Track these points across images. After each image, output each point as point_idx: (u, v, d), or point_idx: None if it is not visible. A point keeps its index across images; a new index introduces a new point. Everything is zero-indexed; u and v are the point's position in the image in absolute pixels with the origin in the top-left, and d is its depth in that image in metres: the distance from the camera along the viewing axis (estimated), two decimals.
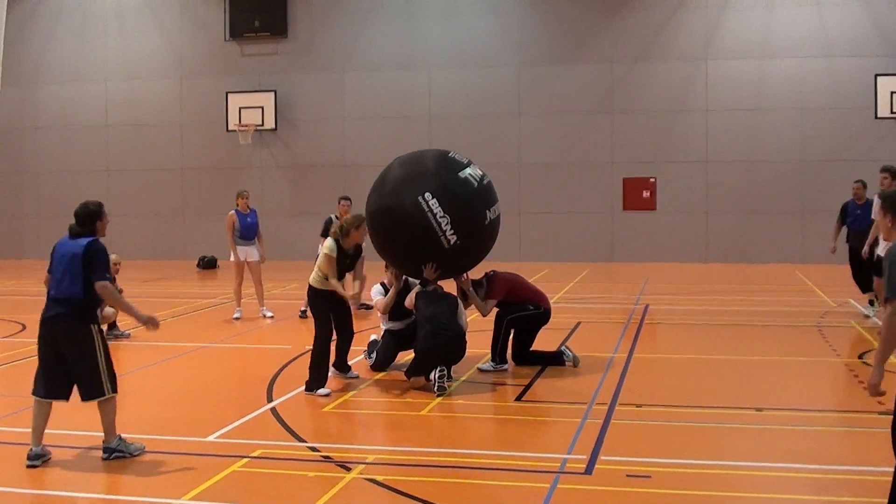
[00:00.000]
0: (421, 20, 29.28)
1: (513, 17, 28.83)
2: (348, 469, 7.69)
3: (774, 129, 27.33)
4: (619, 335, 14.56)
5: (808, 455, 8.14)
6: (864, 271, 15.91)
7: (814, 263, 24.69)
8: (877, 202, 14.44)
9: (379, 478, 7.46)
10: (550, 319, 12.15)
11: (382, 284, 11.88)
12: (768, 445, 8.51)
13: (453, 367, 10.93)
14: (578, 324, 15.57)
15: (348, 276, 10.94)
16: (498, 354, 11.72)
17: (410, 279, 11.63)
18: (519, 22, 28.79)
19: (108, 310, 13.26)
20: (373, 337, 12.27)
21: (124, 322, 14.56)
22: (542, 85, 28.37)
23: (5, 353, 13.26)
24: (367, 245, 11.63)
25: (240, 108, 29.57)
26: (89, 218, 8.19)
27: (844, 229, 16.76)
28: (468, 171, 11.42)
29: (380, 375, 11.45)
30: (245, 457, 8.00)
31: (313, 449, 8.34)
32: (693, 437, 8.74)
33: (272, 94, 29.64)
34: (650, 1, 28.03)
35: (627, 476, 7.47)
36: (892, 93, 25.83)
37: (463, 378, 11.20)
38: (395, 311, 11.71)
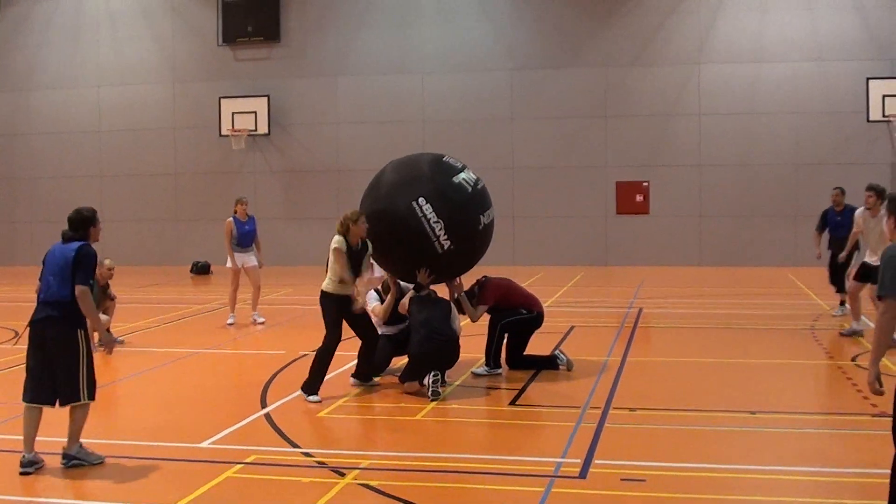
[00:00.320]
0: (414, 24, 29.30)
1: (506, 22, 28.87)
2: (342, 474, 7.68)
3: (767, 132, 27.40)
4: (613, 339, 14.56)
5: (802, 458, 8.15)
6: (840, 275, 16.44)
7: (807, 266, 24.69)
8: (859, 213, 14.65)
9: (373, 483, 7.45)
10: (544, 323, 12.15)
11: (377, 291, 11.86)
12: (762, 448, 8.51)
13: (447, 372, 10.93)
14: (572, 327, 15.57)
15: (359, 282, 10.86)
16: (492, 359, 11.71)
17: (404, 284, 11.62)
18: (512, 26, 28.83)
19: (103, 317, 13.23)
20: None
21: (117, 328, 14.54)
22: (535, 89, 28.40)
23: None
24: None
25: (233, 113, 29.57)
26: (83, 223, 8.18)
27: (826, 235, 16.99)
28: (462, 175, 11.40)
29: (374, 380, 11.43)
30: (239, 463, 7.99)
31: (307, 454, 8.32)
32: (687, 441, 8.74)
33: (265, 98, 29.63)
34: (643, 6, 28.10)
35: (622, 480, 7.47)
36: (884, 96, 25.90)
37: (457, 383, 11.20)
38: (389, 315, 11.70)
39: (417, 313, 10.85)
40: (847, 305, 15.47)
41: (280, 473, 7.80)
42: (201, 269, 28.18)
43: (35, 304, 8.17)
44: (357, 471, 7.78)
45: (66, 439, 8.01)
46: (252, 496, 7.25)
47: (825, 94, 27.08)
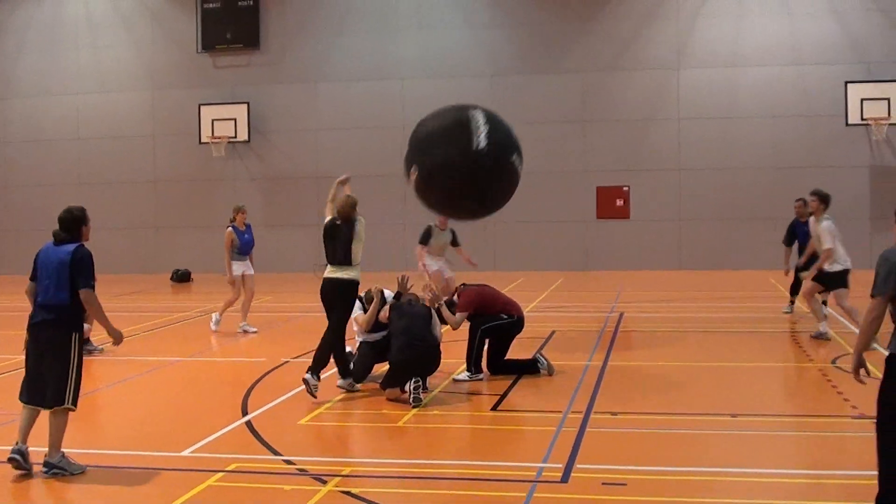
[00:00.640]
0: (393, 31, 29.31)
1: (485, 28, 28.91)
2: (324, 482, 7.66)
3: (746, 137, 27.51)
4: (594, 343, 14.58)
5: (784, 460, 8.19)
6: (799, 282, 16.79)
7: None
8: (819, 224, 14.53)
9: (355, 490, 7.44)
10: (525, 328, 12.17)
11: (359, 299, 11.81)
12: (743, 451, 8.54)
13: (429, 378, 10.93)
14: (553, 332, 15.59)
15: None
16: (473, 364, 11.72)
17: (386, 292, 11.63)
18: (491, 32, 28.87)
19: (84, 325, 13.16)
20: (348, 349, 12.23)
21: (97, 336, 14.47)
22: (514, 95, 28.40)
23: None
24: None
25: (212, 120, 29.49)
26: (74, 223, 8.20)
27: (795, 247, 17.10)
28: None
29: (357, 387, 11.41)
30: (220, 471, 7.96)
31: (288, 462, 8.31)
32: (669, 444, 8.76)
33: (245, 105, 29.58)
34: (622, 11, 28.19)
35: (603, 484, 7.49)
36: (862, 100, 26.06)
37: (438, 389, 11.19)
38: (371, 325, 11.67)
39: (398, 320, 10.85)
40: (796, 304, 15.78)
41: (261, 481, 7.79)
42: (182, 277, 28.10)
43: (26, 309, 8.19)
44: (338, 478, 7.76)
45: (47, 448, 7.98)
46: None
47: (803, 98, 27.22)
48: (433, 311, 11.19)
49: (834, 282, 14.33)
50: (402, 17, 29.28)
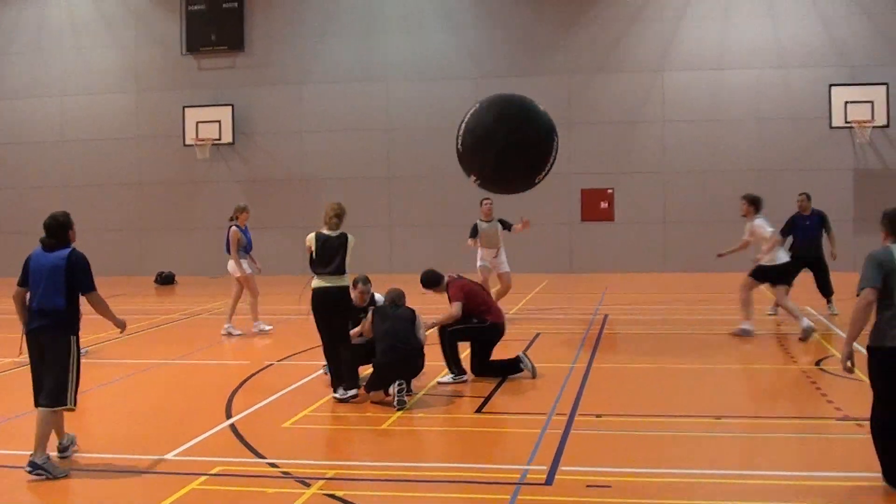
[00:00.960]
0: (378, 33, 29.29)
1: (470, 31, 28.94)
2: (308, 485, 7.65)
3: (730, 139, 27.60)
4: (579, 345, 14.60)
5: (767, 462, 8.21)
6: (820, 280, 17.54)
7: None
8: (752, 222, 15.38)
9: (339, 493, 7.43)
10: (508, 331, 12.16)
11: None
12: (727, 453, 8.57)
13: (413, 381, 10.92)
14: (538, 335, 15.60)
15: None
16: (454, 366, 11.70)
17: (377, 296, 11.64)
18: (476, 35, 28.90)
19: None
20: None
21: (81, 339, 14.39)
22: None
23: None
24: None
25: (197, 123, 29.44)
26: (60, 229, 8.32)
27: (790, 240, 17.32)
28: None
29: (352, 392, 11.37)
30: (204, 474, 7.94)
31: (273, 465, 8.28)
32: (653, 446, 8.77)
33: (229, 108, 29.52)
34: (607, 14, 28.24)
35: (588, 486, 7.49)
36: (846, 102, 26.17)
37: (423, 392, 11.19)
38: (355, 325, 11.66)
39: (381, 323, 10.83)
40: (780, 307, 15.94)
41: (245, 484, 7.76)
42: (166, 280, 28.03)
43: (14, 314, 8.30)
44: (322, 481, 7.75)
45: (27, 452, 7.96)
46: None
47: (788, 100, 27.32)
48: (417, 314, 11.14)
49: (772, 276, 14.99)
50: (387, 20, 29.27)
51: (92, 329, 16.05)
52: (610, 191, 28.11)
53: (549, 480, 7.65)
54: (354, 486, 7.68)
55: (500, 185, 14.30)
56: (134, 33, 30.71)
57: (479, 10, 28.95)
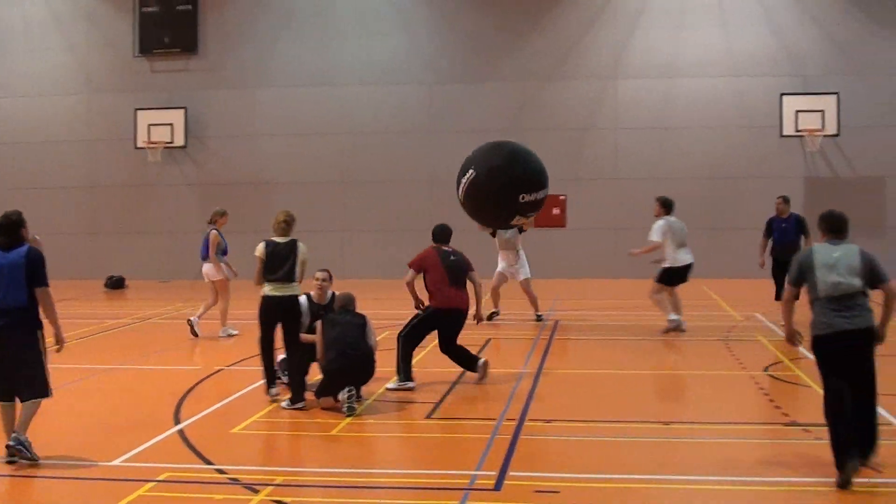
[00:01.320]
0: (333, 37, 29.21)
1: (424, 36, 28.96)
2: (256, 491, 7.61)
3: (683, 146, 27.81)
4: (529, 351, 14.65)
5: (716, 468, 8.27)
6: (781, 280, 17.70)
7: (721, 279, 25.05)
8: (660, 225, 16.93)
9: (287, 499, 7.41)
10: (462, 329, 12.21)
11: (308, 296, 11.62)
12: (676, 459, 8.63)
13: (363, 387, 10.90)
14: (489, 340, 15.64)
15: None
16: (402, 371, 11.71)
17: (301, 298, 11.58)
18: (430, 40, 28.93)
19: None
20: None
21: None
22: (454, 103, 28.50)
23: None
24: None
25: (149, 125, 29.15)
26: (14, 227, 8.50)
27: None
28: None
29: (290, 395, 11.33)
30: (151, 480, 7.87)
31: (220, 471, 8.23)
32: (601, 452, 8.82)
33: (182, 110, 29.27)
34: (560, 21, 28.37)
35: (536, 492, 7.52)
36: (797, 111, 26.47)
37: (373, 398, 11.17)
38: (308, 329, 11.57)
39: (330, 330, 10.75)
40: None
41: (193, 491, 7.71)
42: (116, 284, 27.76)
43: None
44: (271, 487, 7.72)
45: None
46: None
47: (740, 109, 27.57)
48: (368, 320, 11.09)
49: (668, 278, 16.35)
50: (343, 24, 29.21)
51: None
52: (562, 197, 28.20)
53: (497, 486, 7.67)
54: (303, 493, 7.66)
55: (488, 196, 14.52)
56: (85, 34, 30.39)
57: (434, 15, 28.97)
